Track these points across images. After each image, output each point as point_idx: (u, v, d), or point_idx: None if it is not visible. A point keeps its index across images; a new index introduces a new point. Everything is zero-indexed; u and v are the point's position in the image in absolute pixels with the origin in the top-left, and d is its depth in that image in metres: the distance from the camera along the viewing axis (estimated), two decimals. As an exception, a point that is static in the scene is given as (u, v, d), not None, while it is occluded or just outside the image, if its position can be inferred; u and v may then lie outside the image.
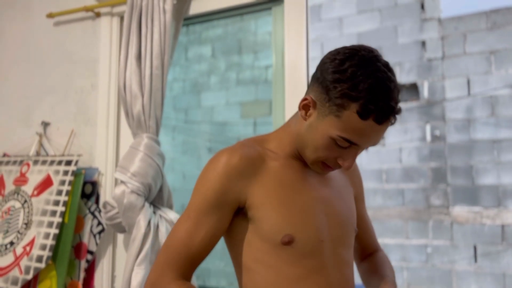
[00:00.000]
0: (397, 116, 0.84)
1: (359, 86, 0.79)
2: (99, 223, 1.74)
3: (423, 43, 3.89)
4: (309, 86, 0.91)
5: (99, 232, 1.73)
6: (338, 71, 0.81)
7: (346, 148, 0.85)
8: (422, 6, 3.90)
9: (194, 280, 1.55)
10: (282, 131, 0.97)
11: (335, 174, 1.01)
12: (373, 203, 3.91)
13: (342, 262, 0.93)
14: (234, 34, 3.05)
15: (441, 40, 3.82)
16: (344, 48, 0.85)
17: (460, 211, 3.63)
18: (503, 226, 3.50)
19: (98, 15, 1.89)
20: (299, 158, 0.94)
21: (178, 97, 3.19)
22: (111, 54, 1.84)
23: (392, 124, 0.83)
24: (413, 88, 3.91)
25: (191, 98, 3.19)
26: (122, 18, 1.86)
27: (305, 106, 0.88)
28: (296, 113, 0.95)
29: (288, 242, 0.87)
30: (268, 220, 0.88)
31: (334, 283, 0.90)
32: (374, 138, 0.83)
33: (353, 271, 0.98)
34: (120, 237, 1.76)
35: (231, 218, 0.91)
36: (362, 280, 1.10)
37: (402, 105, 3.92)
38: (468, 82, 3.69)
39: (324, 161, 0.89)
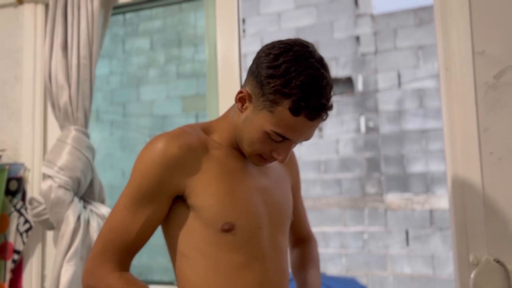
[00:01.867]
0: (329, 112, 0.86)
1: (292, 83, 0.79)
2: (26, 221, 1.65)
3: (357, 38, 4.04)
4: (246, 79, 0.91)
5: (26, 230, 1.65)
6: (272, 66, 0.82)
7: (280, 142, 0.86)
8: (356, 2, 4.05)
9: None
10: (223, 121, 0.97)
11: (274, 165, 1.03)
12: (312, 193, 4.03)
13: (279, 249, 0.95)
14: (173, 27, 3.00)
15: (374, 36, 3.99)
16: (280, 42, 0.85)
17: (393, 198, 3.83)
18: (431, 211, 3.74)
19: (21, 2, 1.78)
20: (239, 148, 0.95)
21: (116, 91, 3.09)
22: (36, 43, 1.75)
23: (324, 120, 0.84)
24: (348, 82, 4.06)
25: (130, 92, 3.10)
26: (47, 6, 1.77)
27: (241, 98, 0.88)
28: (235, 104, 0.95)
29: (228, 229, 0.87)
30: (209, 208, 0.87)
31: (271, 270, 0.92)
32: (306, 134, 0.85)
33: (287, 258, 1.01)
34: (50, 234, 1.69)
35: (168, 207, 0.90)
36: (290, 267, 1.15)
37: (338, 98, 4.06)
38: (399, 75, 3.89)
39: (261, 154, 0.89)
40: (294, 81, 0.79)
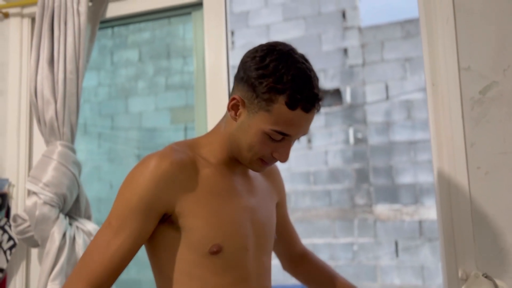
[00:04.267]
0: (321, 104, 0.88)
1: (283, 78, 0.81)
2: (10, 238, 1.62)
3: (345, 51, 4.08)
4: (233, 87, 0.91)
5: (10, 248, 1.61)
6: (261, 67, 0.83)
7: (280, 141, 0.86)
8: (344, 15, 4.10)
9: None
10: (213, 135, 0.95)
11: (260, 182, 1.01)
12: (302, 204, 4.02)
13: (264, 270, 0.95)
14: (162, 39, 3.00)
15: (361, 48, 4.03)
16: (261, 45, 0.88)
17: (382, 209, 3.84)
18: (420, 222, 3.75)
19: (6, 15, 1.77)
20: (229, 164, 0.93)
21: (104, 103, 3.06)
22: (22, 57, 1.73)
23: (317, 111, 0.86)
24: (337, 93, 4.09)
25: (118, 104, 3.08)
26: (33, 20, 1.76)
27: (234, 106, 0.88)
28: (225, 116, 0.94)
29: (216, 252, 0.85)
30: (197, 229, 0.85)
31: None
32: (304, 127, 0.85)
33: (271, 278, 1.00)
34: (34, 252, 1.66)
35: (154, 226, 0.87)
36: (306, 282, 1.14)
37: (327, 109, 4.08)
38: (386, 87, 3.93)
39: (261, 157, 0.88)
40: (286, 76, 0.81)
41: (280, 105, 0.82)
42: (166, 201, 0.85)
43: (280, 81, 0.81)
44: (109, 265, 0.83)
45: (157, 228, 0.88)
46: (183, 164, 0.87)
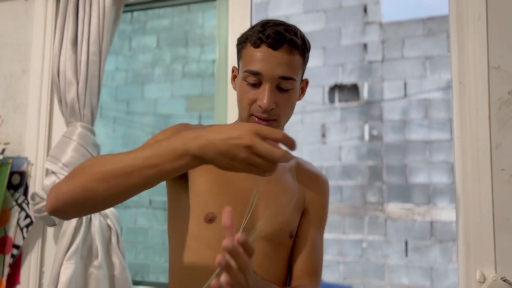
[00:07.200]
0: (303, 49, 0.90)
1: (253, 28, 0.90)
2: (27, 216, 1.64)
3: (365, 46, 4.03)
4: None
5: (27, 226, 1.63)
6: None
7: (257, 85, 0.88)
8: (365, 10, 4.04)
9: (128, 277, 1.51)
10: (234, 121, 1.01)
11: (285, 179, 0.98)
12: (313, 199, 4.00)
13: (261, 256, 0.90)
14: (180, 26, 2.99)
15: (381, 44, 3.98)
16: None
17: (393, 207, 3.81)
18: (432, 222, 3.72)
19: (31, -5, 1.77)
20: None
21: (120, 87, 3.08)
22: (45, 37, 1.74)
23: (293, 53, 0.87)
24: (354, 89, 4.05)
25: (134, 89, 3.09)
26: (58, 0, 1.76)
27: (233, 78, 0.98)
28: None
29: (210, 220, 0.87)
30: (199, 194, 0.89)
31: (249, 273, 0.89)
32: (275, 66, 0.86)
33: (279, 267, 0.94)
34: (50, 230, 1.67)
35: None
36: None
37: (343, 104, 4.04)
38: (405, 85, 3.88)
39: (252, 113, 0.89)
40: (255, 26, 0.90)
41: (248, 48, 0.89)
42: None
43: (249, 30, 0.91)
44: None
45: (175, 188, 0.92)
46: None
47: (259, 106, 0.88)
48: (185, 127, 0.91)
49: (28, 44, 1.77)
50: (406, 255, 3.75)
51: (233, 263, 0.67)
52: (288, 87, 0.89)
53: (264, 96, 0.87)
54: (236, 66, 0.97)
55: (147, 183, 0.70)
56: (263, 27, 0.88)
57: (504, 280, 1.14)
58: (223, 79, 1.64)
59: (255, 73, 0.87)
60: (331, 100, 4.09)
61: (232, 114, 1.54)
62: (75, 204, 0.72)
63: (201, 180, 0.89)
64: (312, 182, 1.04)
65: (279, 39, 0.86)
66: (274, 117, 0.89)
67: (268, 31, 0.87)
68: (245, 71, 0.88)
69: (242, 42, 0.92)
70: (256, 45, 0.87)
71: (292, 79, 0.88)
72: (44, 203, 1.50)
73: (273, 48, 0.86)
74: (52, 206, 0.73)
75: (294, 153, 1.06)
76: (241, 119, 0.94)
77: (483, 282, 1.15)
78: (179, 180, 0.91)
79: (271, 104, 0.87)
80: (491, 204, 1.18)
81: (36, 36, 1.75)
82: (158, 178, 0.69)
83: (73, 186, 0.71)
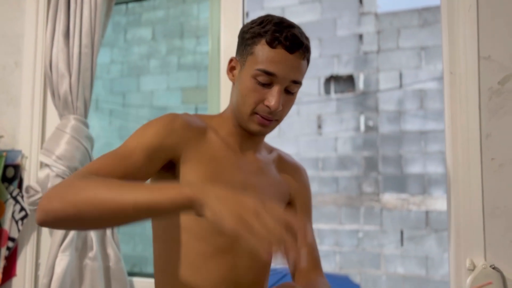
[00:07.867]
0: (308, 56, 0.90)
1: (267, 26, 0.87)
2: (22, 209, 1.64)
3: (360, 36, 4.02)
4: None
5: (22, 218, 1.64)
6: (250, 23, 0.92)
7: (269, 86, 0.87)
8: (361, 1, 4.03)
9: (123, 268, 1.52)
10: (223, 111, 1.00)
11: (270, 171, 1.00)
12: (309, 190, 4.02)
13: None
14: (176, 18, 2.98)
15: (377, 34, 3.97)
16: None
17: (389, 198, 3.83)
18: (427, 212, 3.74)
19: (23, -13, 1.76)
20: (237, 139, 0.95)
21: (116, 80, 3.07)
22: (37, 30, 1.73)
23: (304, 58, 0.88)
24: (350, 80, 4.05)
25: (130, 82, 3.08)
26: (50, -8, 1.75)
27: (231, 68, 0.94)
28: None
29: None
30: None
31: (240, 265, 0.90)
32: (289, 69, 0.86)
33: (268, 259, 0.92)
34: (45, 223, 1.68)
35: (156, 170, 0.87)
36: None
37: (339, 96, 4.04)
38: (400, 76, 3.88)
39: (256, 112, 0.89)
40: (269, 25, 0.87)
41: (262, 45, 0.87)
42: (176, 143, 0.88)
43: (263, 28, 0.88)
44: (112, 169, 0.81)
45: (162, 181, 0.90)
46: (194, 125, 0.91)
47: (267, 107, 0.88)
48: (173, 118, 0.90)
49: (20, 36, 1.77)
50: (402, 244, 3.78)
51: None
52: (294, 90, 0.91)
53: (275, 98, 0.87)
54: (236, 57, 0.94)
55: (141, 220, 0.71)
56: (278, 27, 0.87)
57: (493, 268, 1.15)
58: (215, 71, 1.64)
59: (270, 74, 0.86)
60: (327, 91, 4.09)
61: (224, 106, 1.54)
62: (65, 221, 0.72)
63: (192, 173, 0.89)
64: (294, 173, 1.07)
65: (297, 43, 0.86)
66: (277, 117, 0.91)
67: (285, 32, 0.86)
68: (258, 69, 0.86)
69: (254, 37, 0.88)
70: (273, 45, 0.86)
71: (300, 83, 0.90)
72: (38, 195, 1.51)
73: (289, 52, 0.86)
74: (42, 220, 0.73)
75: (274, 144, 1.07)
76: (239, 113, 0.92)
77: (473, 270, 1.17)
78: (165, 173, 0.90)
79: (280, 106, 0.88)
80: (481, 193, 1.19)
81: (28, 28, 1.75)
82: (151, 217, 0.73)
83: (65, 204, 0.70)
